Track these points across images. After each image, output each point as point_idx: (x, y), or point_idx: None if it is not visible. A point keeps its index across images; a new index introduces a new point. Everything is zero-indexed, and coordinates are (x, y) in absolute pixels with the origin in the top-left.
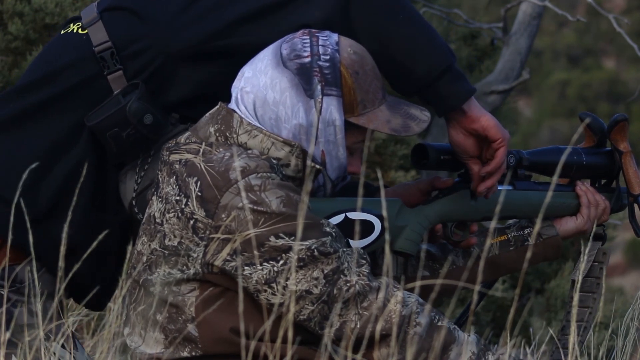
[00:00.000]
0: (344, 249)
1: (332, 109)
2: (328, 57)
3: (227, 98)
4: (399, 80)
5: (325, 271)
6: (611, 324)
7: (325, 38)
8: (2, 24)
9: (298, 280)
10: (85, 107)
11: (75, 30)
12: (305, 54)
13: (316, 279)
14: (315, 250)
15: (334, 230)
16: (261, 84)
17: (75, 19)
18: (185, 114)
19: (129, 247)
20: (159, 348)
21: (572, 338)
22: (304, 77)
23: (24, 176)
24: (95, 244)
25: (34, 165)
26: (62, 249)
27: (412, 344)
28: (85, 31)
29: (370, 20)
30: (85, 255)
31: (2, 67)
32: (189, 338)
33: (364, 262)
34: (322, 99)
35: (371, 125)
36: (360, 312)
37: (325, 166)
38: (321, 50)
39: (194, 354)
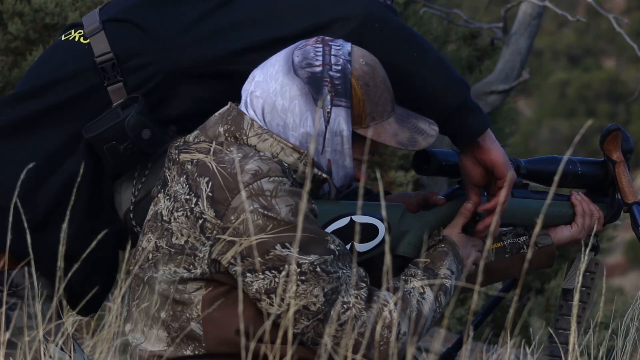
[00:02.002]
0: (344, 270)
1: (340, 119)
2: (339, 68)
3: None
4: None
5: (325, 289)
6: (611, 324)
7: (338, 47)
8: (2, 24)
9: (298, 294)
10: (83, 118)
11: (77, 39)
12: (317, 63)
13: (316, 296)
14: (318, 266)
15: (338, 247)
16: (271, 90)
17: (76, 25)
18: (184, 127)
19: (127, 248)
20: (161, 345)
21: (572, 339)
22: (314, 86)
23: (22, 176)
24: (94, 243)
25: (31, 165)
26: (61, 248)
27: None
28: (87, 40)
29: (383, 58)
30: (83, 256)
31: (2, 67)
32: (193, 336)
33: (364, 285)
34: (330, 109)
35: (378, 138)
36: (357, 337)
37: (331, 175)
38: (333, 60)
39: (197, 352)
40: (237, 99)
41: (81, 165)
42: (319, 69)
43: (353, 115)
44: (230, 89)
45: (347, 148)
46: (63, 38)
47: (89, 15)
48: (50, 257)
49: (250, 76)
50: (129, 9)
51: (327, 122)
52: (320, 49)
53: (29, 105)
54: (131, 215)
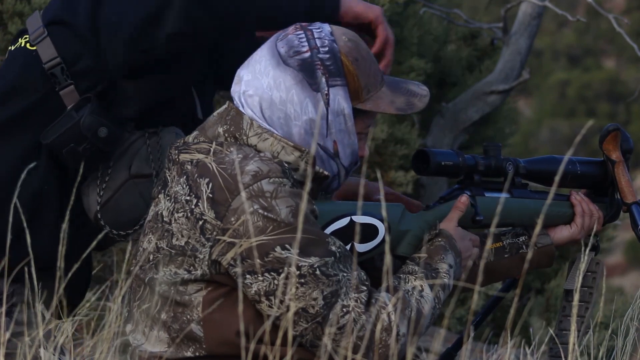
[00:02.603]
0: (345, 273)
1: (339, 98)
2: (327, 49)
3: (184, 100)
4: (274, 26)
5: (325, 292)
6: (611, 324)
7: (319, 30)
8: (2, 24)
9: (297, 297)
10: (42, 125)
11: (23, 45)
12: (304, 49)
13: (315, 299)
14: (318, 269)
15: (339, 250)
16: (265, 86)
17: (23, 32)
18: (146, 119)
19: (128, 248)
20: (162, 347)
21: (572, 339)
22: (307, 72)
23: (23, 175)
24: (94, 243)
25: (32, 165)
26: (62, 249)
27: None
28: (34, 47)
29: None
30: (83, 256)
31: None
32: (194, 338)
33: (364, 288)
34: (328, 90)
35: (378, 109)
36: (355, 340)
37: (339, 155)
38: (318, 42)
39: (197, 354)
40: (189, 78)
41: (48, 173)
42: (307, 54)
43: (350, 91)
44: (175, 72)
45: (351, 125)
46: (12, 48)
47: (31, 18)
48: (26, 267)
49: (237, 78)
50: (66, 8)
51: (327, 103)
52: (303, 35)
53: None
54: (99, 216)
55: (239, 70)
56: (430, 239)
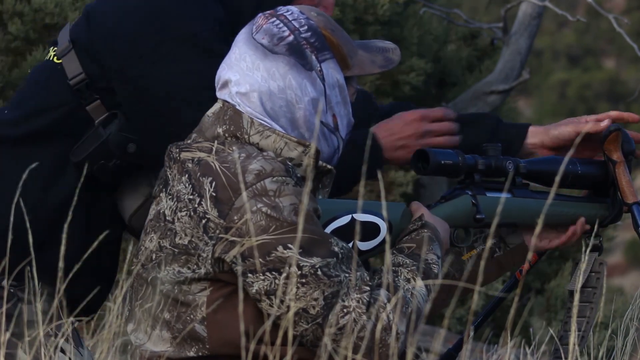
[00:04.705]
0: (347, 274)
1: (331, 71)
2: (306, 27)
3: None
4: None
5: (326, 293)
6: (611, 324)
7: (289, 12)
8: (2, 24)
9: (298, 297)
10: (70, 136)
11: (51, 57)
12: (286, 33)
13: (315, 299)
14: (319, 269)
15: (342, 250)
16: (259, 79)
17: (55, 43)
18: None
19: (129, 249)
20: (165, 346)
21: (572, 338)
22: (297, 54)
23: (24, 176)
24: (95, 244)
25: (33, 165)
26: (62, 248)
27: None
28: (60, 61)
29: None
30: (84, 256)
31: (2, 67)
32: (197, 338)
33: (367, 289)
34: (320, 66)
35: (364, 72)
36: (356, 341)
37: (338, 128)
38: (296, 24)
39: (200, 354)
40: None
41: (75, 184)
42: (291, 37)
43: (338, 62)
44: None
45: (345, 95)
46: (46, 58)
47: (62, 31)
48: (49, 277)
49: (221, 82)
50: (92, 30)
51: (323, 79)
52: (279, 21)
53: (16, 130)
54: (132, 221)
55: (220, 74)
56: (415, 230)
